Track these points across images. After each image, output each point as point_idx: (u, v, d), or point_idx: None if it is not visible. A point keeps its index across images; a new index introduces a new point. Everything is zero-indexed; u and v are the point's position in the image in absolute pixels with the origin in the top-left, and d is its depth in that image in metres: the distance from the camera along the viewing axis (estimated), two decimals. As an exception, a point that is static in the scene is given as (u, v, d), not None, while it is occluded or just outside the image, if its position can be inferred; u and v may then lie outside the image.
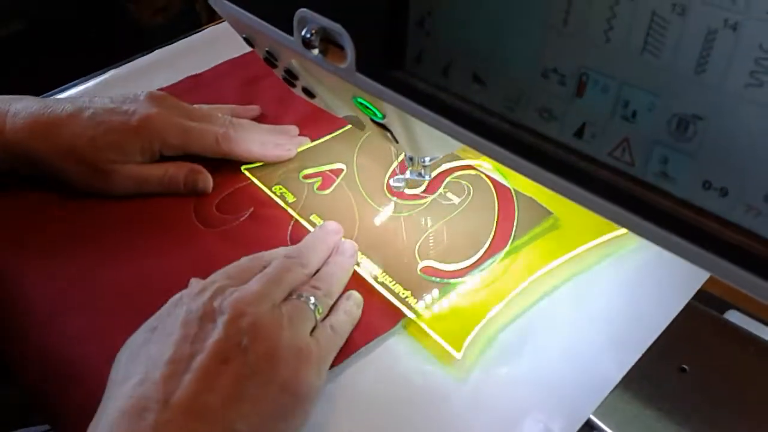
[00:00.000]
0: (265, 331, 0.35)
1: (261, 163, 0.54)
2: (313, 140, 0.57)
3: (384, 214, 0.50)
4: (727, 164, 0.23)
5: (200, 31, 0.76)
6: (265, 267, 0.41)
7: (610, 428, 0.37)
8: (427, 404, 0.39)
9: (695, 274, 0.44)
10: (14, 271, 0.47)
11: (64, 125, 0.48)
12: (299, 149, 0.55)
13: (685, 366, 0.40)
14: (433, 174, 0.52)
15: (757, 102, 0.21)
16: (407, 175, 0.50)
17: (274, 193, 0.52)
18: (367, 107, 0.38)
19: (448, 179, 0.52)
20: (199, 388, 0.32)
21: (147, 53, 0.71)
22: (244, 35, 0.42)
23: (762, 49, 0.21)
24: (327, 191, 0.52)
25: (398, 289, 0.44)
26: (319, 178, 0.53)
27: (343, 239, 0.47)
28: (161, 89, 0.63)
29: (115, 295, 0.44)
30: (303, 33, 0.33)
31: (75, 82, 0.67)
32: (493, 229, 0.48)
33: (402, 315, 0.43)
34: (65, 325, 0.43)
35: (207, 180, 0.52)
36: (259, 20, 0.37)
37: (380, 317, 0.43)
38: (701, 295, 0.44)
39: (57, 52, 1.40)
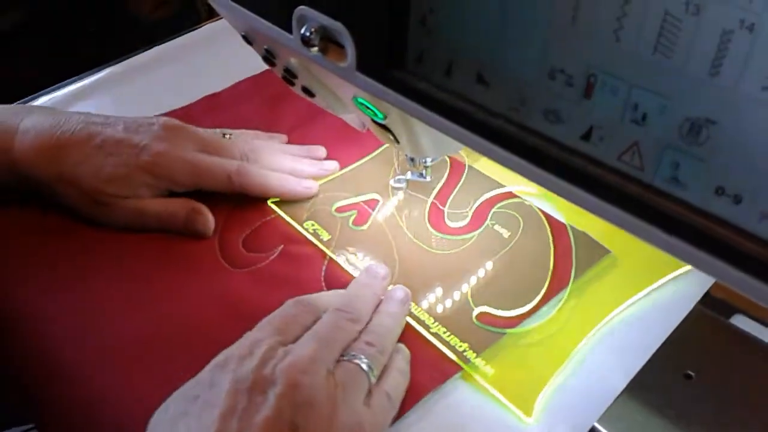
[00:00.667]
0: (320, 408, 0.32)
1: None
2: (342, 166, 0.53)
3: (428, 251, 0.46)
4: (741, 170, 0.22)
5: (200, 27, 0.75)
6: (313, 318, 0.38)
7: (615, 436, 0.36)
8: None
9: (701, 279, 0.43)
10: (19, 302, 0.44)
11: (70, 151, 0.46)
12: (328, 178, 0.52)
13: (690, 372, 0.39)
14: (476, 203, 0.49)
15: (774, 106, 0.20)
16: (408, 176, 0.49)
17: (306, 229, 0.48)
18: (368, 107, 0.37)
19: (494, 210, 0.49)
20: None
21: (147, 49, 0.71)
22: (242, 33, 0.42)
23: (780, 51, 0.20)
24: (364, 227, 0.48)
25: (454, 341, 0.40)
26: (354, 212, 0.49)
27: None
28: (176, 111, 0.60)
29: (130, 341, 0.41)
30: (302, 31, 0.32)
31: (74, 78, 0.66)
32: (551, 268, 0.44)
33: (457, 368, 0.39)
34: (75, 368, 0.40)
35: (207, 222, 0.48)
36: (257, 18, 0.36)
37: (431, 372, 0.39)
38: (707, 300, 0.43)
39: (55, 45, 1.40)
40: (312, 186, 0.51)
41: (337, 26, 0.31)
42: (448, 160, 0.53)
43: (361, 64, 0.32)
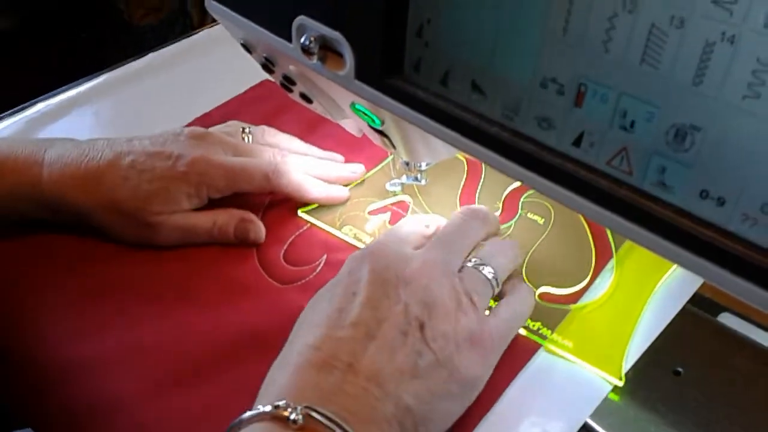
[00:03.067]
0: (444, 308, 0.36)
1: (316, 205, 0.51)
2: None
3: None
4: (724, 174, 0.23)
5: (195, 33, 0.75)
6: (428, 233, 0.42)
7: (607, 431, 0.38)
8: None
9: (690, 279, 0.44)
10: (55, 318, 0.44)
11: (103, 176, 0.45)
12: (352, 185, 0.52)
13: (679, 369, 0.41)
14: (504, 194, 0.51)
15: (754, 113, 0.22)
16: (404, 179, 0.50)
17: (347, 234, 0.48)
18: (365, 113, 0.38)
19: (522, 199, 0.51)
20: (383, 359, 0.34)
21: (141, 56, 0.71)
22: (241, 41, 0.42)
23: (759, 62, 0.21)
24: None
25: (527, 321, 0.42)
26: (388, 213, 0.50)
27: None
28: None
29: (191, 368, 0.40)
30: (302, 40, 0.34)
31: (68, 86, 0.67)
32: (591, 244, 0.47)
33: (537, 346, 0.41)
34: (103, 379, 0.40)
35: (259, 230, 0.48)
36: (257, 27, 0.37)
37: (514, 353, 0.40)
38: (695, 298, 0.44)
39: (46, 47, 1.40)
40: (345, 191, 0.51)
41: (335, 36, 0.32)
42: (464, 160, 0.54)
43: (359, 73, 0.33)
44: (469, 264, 0.40)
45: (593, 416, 0.38)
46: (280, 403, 0.31)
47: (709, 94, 0.22)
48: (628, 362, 0.40)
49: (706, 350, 0.42)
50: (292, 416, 0.30)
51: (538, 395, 0.39)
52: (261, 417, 0.31)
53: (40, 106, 0.64)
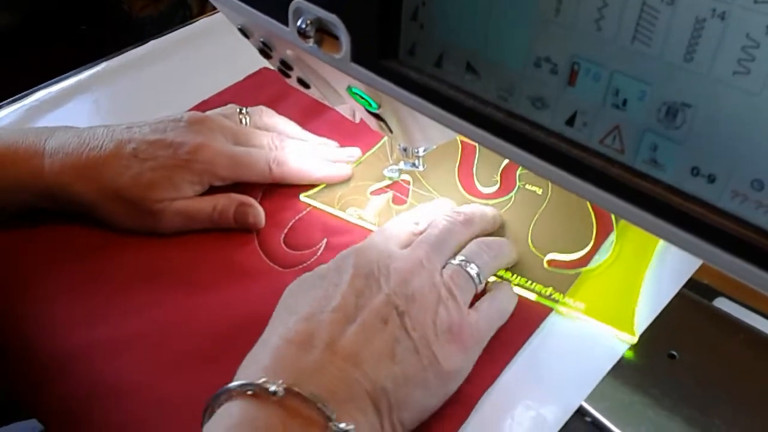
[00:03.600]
0: (423, 301, 0.37)
1: (318, 188, 0.51)
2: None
3: None
4: (715, 151, 0.23)
5: (193, 22, 0.75)
6: (417, 230, 0.43)
7: (602, 415, 0.38)
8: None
9: (686, 264, 0.44)
10: (55, 307, 0.44)
11: (106, 165, 0.46)
12: (355, 163, 0.53)
13: (674, 352, 0.41)
14: (501, 168, 0.52)
15: (744, 89, 0.22)
16: (401, 165, 0.51)
17: (351, 215, 0.49)
18: (362, 97, 0.38)
19: (519, 171, 0.52)
20: (360, 340, 0.35)
21: (140, 44, 0.71)
22: (238, 26, 0.43)
23: (749, 38, 0.21)
24: (404, 206, 0.50)
25: (538, 287, 0.44)
26: (390, 192, 0.51)
27: None
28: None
29: (197, 351, 0.41)
30: (298, 24, 0.34)
31: (68, 74, 0.67)
32: (592, 213, 0.48)
33: (548, 310, 0.43)
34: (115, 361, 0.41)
35: (258, 213, 0.48)
36: (253, 11, 0.38)
37: (526, 317, 0.42)
38: (690, 283, 0.44)
39: (47, 43, 1.40)
40: (348, 168, 0.52)
41: (332, 18, 0.33)
42: (458, 138, 0.54)
43: (356, 55, 0.33)
44: (454, 261, 0.41)
45: (588, 399, 0.38)
46: (261, 380, 0.31)
47: (699, 71, 0.23)
48: (639, 320, 0.41)
49: (702, 334, 0.42)
50: (272, 388, 0.31)
51: (532, 379, 0.39)
52: (243, 389, 0.31)
53: (40, 95, 0.64)
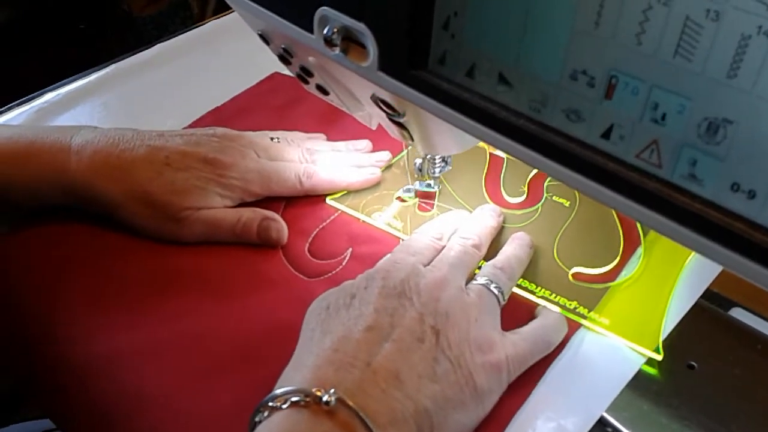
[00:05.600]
0: (456, 318, 0.37)
1: (344, 192, 0.51)
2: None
3: (502, 227, 0.48)
4: (756, 167, 0.23)
5: (200, 25, 0.75)
6: (439, 245, 0.43)
7: (623, 425, 0.38)
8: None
9: (703, 275, 0.45)
10: (77, 314, 0.43)
11: (137, 167, 0.45)
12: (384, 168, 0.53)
13: (693, 363, 0.41)
14: (528, 178, 0.52)
15: (789, 107, 0.22)
16: (416, 185, 0.50)
17: (377, 221, 0.49)
18: (387, 105, 0.38)
19: (547, 182, 0.51)
20: (398, 359, 0.34)
21: (148, 47, 0.71)
22: (259, 32, 0.42)
23: (796, 56, 0.21)
24: (429, 213, 0.50)
25: (563, 301, 0.43)
26: (416, 200, 0.51)
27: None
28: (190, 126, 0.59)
29: (217, 361, 0.40)
30: (325, 32, 0.33)
31: (76, 76, 0.67)
32: (619, 226, 0.47)
33: (576, 325, 0.42)
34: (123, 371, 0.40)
35: (282, 229, 0.48)
36: (277, 17, 0.37)
37: None
38: (706, 294, 0.44)
39: (46, 41, 1.39)
40: (376, 172, 0.52)
41: (359, 27, 0.32)
42: (486, 147, 0.54)
43: (383, 64, 0.33)
44: (475, 282, 0.41)
45: (609, 410, 0.38)
46: (312, 389, 0.31)
47: (743, 88, 0.23)
48: (665, 336, 0.41)
49: (720, 345, 0.42)
50: (325, 398, 0.30)
51: (553, 390, 0.39)
52: (293, 395, 0.31)
53: (49, 97, 0.64)
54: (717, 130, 0.24)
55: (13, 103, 0.62)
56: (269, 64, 0.45)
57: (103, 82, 0.67)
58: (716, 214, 0.24)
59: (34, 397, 0.42)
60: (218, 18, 0.75)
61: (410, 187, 0.51)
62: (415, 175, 0.50)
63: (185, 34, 0.73)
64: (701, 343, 0.42)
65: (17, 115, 0.61)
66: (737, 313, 0.45)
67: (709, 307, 0.44)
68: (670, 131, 0.25)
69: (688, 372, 0.41)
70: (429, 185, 0.50)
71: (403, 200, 0.51)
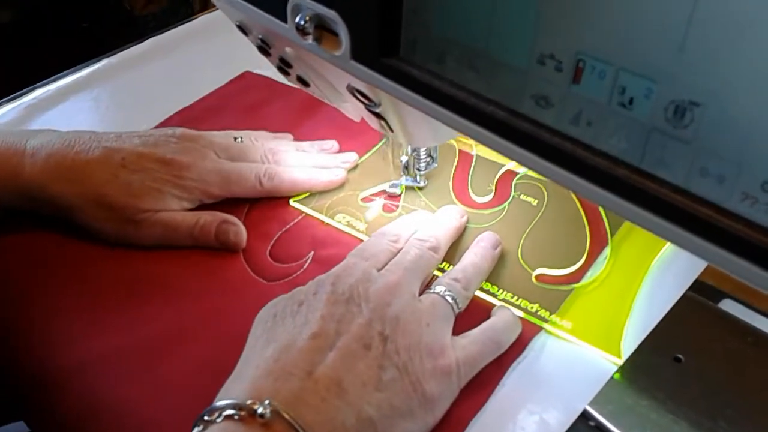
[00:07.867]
0: (406, 324, 0.36)
1: (308, 194, 0.50)
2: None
3: (467, 227, 0.47)
4: (724, 151, 0.23)
5: (193, 19, 0.75)
6: (398, 247, 0.42)
7: (606, 419, 0.37)
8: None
9: (692, 266, 0.44)
10: (43, 323, 0.43)
11: (92, 170, 0.45)
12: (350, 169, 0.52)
13: (680, 356, 0.40)
14: (496, 177, 0.50)
15: (757, 89, 0.21)
16: (403, 180, 0.50)
17: (339, 222, 0.48)
18: (363, 95, 0.37)
19: (515, 181, 0.50)
20: (341, 367, 0.33)
21: (140, 42, 0.71)
22: (237, 23, 0.42)
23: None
24: (394, 214, 0.49)
25: (525, 303, 0.42)
26: (381, 199, 0.50)
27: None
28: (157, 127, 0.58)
29: (181, 369, 0.40)
30: (297, 20, 0.33)
31: (67, 71, 0.67)
32: (586, 225, 0.46)
33: (537, 329, 0.41)
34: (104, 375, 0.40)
35: (240, 232, 0.47)
36: (252, 7, 0.37)
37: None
38: (695, 285, 0.44)
39: (48, 40, 1.40)
40: (340, 173, 0.51)
41: (331, 15, 0.32)
42: (456, 145, 0.53)
43: (355, 53, 0.32)
44: (430, 291, 0.40)
45: (592, 404, 0.38)
46: (247, 401, 0.30)
47: (708, 69, 0.22)
48: (627, 341, 0.40)
49: (707, 337, 0.42)
50: (259, 410, 0.29)
51: (535, 383, 0.39)
52: (228, 409, 0.30)
53: (39, 92, 0.64)
54: (684, 113, 0.23)
55: (3, 100, 0.62)
56: (259, 57, 0.44)
57: (94, 76, 0.66)
58: (685, 199, 0.24)
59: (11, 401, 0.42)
60: (209, 12, 0.75)
61: (396, 182, 0.50)
62: (401, 173, 0.49)
63: (176, 28, 0.73)
64: (688, 335, 0.41)
65: (7, 112, 0.61)
66: (727, 305, 0.44)
67: (698, 299, 0.43)
68: (638, 115, 0.24)
69: (675, 365, 0.40)
70: (415, 180, 0.49)
71: (392, 196, 0.50)
